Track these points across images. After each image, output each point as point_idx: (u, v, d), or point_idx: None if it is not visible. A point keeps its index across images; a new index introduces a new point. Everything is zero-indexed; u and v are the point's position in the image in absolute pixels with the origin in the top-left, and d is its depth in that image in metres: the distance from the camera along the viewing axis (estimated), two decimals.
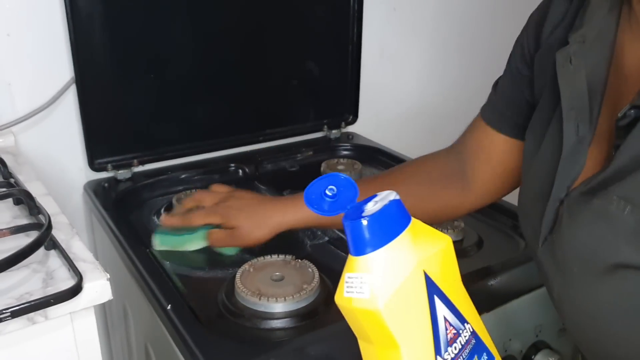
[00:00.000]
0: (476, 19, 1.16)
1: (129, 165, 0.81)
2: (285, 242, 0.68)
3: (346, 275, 0.28)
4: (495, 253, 0.67)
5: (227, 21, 0.84)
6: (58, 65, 0.76)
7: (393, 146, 0.97)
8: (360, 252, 0.27)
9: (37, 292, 0.43)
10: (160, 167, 0.85)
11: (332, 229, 0.69)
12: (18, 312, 0.41)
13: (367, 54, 0.98)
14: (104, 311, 0.87)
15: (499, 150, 0.54)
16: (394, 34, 1.05)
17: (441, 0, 1.09)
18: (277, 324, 0.53)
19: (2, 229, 0.48)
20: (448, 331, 0.28)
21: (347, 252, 0.29)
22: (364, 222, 0.26)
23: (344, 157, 0.94)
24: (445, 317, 0.28)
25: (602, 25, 0.39)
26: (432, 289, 0.28)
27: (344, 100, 0.99)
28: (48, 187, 0.62)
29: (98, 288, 0.45)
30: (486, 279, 0.58)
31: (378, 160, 0.95)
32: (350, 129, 1.02)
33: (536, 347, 0.58)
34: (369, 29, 0.97)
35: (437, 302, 0.28)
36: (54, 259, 0.48)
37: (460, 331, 0.29)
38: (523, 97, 0.51)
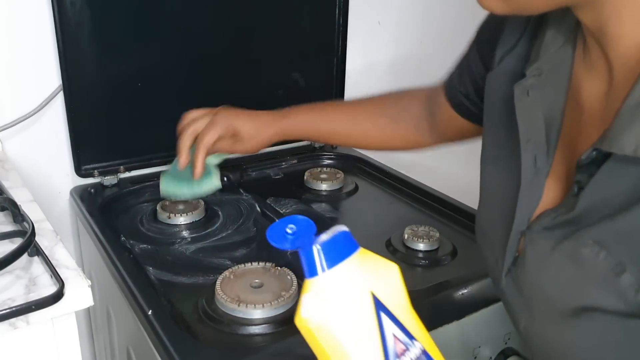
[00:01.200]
0: (461, 33, 1.19)
1: (115, 172, 0.83)
2: (267, 250, 0.70)
3: (303, 297, 0.31)
4: (468, 262, 0.69)
5: (214, 31, 0.86)
6: (46, 72, 0.78)
7: (375, 156, 0.99)
8: (313, 273, 0.30)
9: (20, 298, 0.44)
10: (146, 174, 0.86)
11: None
12: (0, 318, 0.42)
13: (351, 66, 1.01)
14: (88, 315, 0.88)
15: (451, 119, 0.60)
16: (378, 47, 1.08)
17: (425, 14, 1.12)
18: (255, 329, 0.54)
19: None
20: (397, 345, 0.31)
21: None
22: (316, 247, 0.30)
23: (327, 166, 0.96)
24: (393, 334, 0.31)
25: (557, 59, 0.40)
26: (380, 307, 0.31)
27: None
28: (34, 193, 0.64)
29: (80, 294, 0.47)
30: (458, 288, 0.60)
31: (361, 169, 0.97)
32: None
33: (505, 354, 0.61)
34: (354, 41, 1.00)
35: (385, 319, 0.31)
36: (37, 266, 0.49)
37: (409, 347, 0.31)
38: (467, 88, 0.56)
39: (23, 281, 0.47)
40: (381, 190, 0.90)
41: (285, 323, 0.55)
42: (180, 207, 0.78)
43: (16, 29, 0.75)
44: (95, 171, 0.82)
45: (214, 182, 0.66)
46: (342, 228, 0.31)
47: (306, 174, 0.91)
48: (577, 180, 0.36)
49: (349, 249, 0.31)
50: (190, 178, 0.65)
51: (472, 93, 0.56)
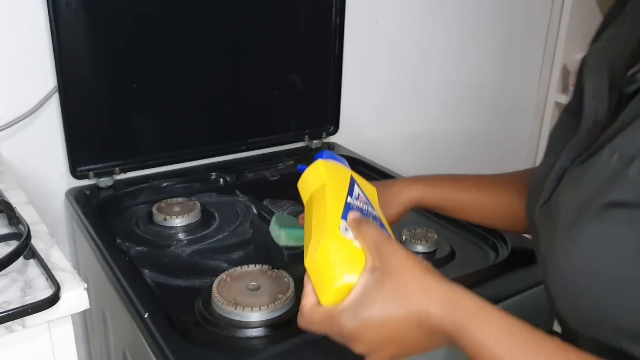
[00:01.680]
0: (457, 33, 1.20)
1: (110, 173, 0.82)
2: (263, 252, 0.70)
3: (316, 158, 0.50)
4: (466, 264, 0.69)
5: (211, 33, 0.86)
6: (41, 73, 0.77)
7: (373, 157, 0.99)
8: (317, 157, 0.50)
9: (16, 301, 0.44)
10: (142, 175, 0.86)
11: None
12: None
13: (348, 67, 1.01)
14: (84, 317, 0.88)
15: None
16: (374, 48, 1.08)
17: (421, 15, 1.12)
18: (252, 332, 0.54)
19: None
20: (359, 197, 0.46)
21: None
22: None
23: None
24: (359, 194, 0.47)
25: (633, 25, 0.43)
26: (354, 182, 0.48)
27: (326, 111, 1.01)
28: (29, 194, 0.63)
29: (76, 297, 0.46)
30: None
31: (357, 170, 0.96)
32: (331, 139, 1.04)
33: None
34: (351, 42, 1.00)
35: (356, 187, 0.48)
36: (32, 268, 0.49)
37: (368, 207, 0.47)
38: None
39: (19, 284, 0.47)
40: None
41: (282, 326, 0.55)
42: (176, 209, 0.78)
43: (11, 29, 0.74)
44: (91, 173, 0.81)
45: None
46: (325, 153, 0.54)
47: None
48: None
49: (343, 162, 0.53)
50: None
51: None
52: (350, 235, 0.41)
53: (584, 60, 0.48)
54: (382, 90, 1.13)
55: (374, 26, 1.06)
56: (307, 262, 0.41)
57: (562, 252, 0.40)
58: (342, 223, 0.42)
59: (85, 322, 0.88)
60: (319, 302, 0.41)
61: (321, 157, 0.51)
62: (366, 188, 0.50)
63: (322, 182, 0.46)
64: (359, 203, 0.45)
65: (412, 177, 0.67)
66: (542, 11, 1.31)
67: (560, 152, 0.44)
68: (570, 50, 1.29)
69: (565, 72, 1.32)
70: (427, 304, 0.37)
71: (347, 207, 0.43)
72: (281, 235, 0.68)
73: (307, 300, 0.42)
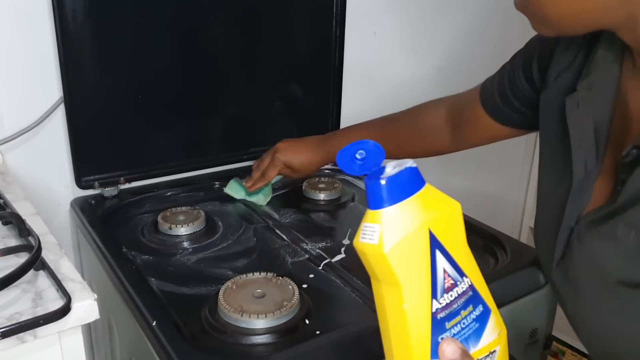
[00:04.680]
0: (455, 43, 1.21)
1: (115, 183, 0.83)
2: (267, 260, 0.71)
3: (363, 224, 0.34)
4: None
5: (214, 44, 0.87)
6: (47, 85, 0.79)
7: None
8: (375, 206, 0.33)
9: (27, 312, 0.45)
10: (146, 185, 0.87)
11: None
12: (9, 332, 0.43)
13: (348, 77, 1.02)
14: (88, 326, 0.89)
15: (486, 125, 0.65)
16: (373, 58, 1.09)
17: (419, 24, 1.14)
18: (258, 339, 0.55)
19: None
20: (446, 281, 0.34)
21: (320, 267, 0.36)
22: (382, 182, 0.32)
23: (325, 175, 0.98)
24: (444, 269, 0.34)
25: (606, 74, 0.44)
26: (435, 244, 0.33)
27: (326, 120, 1.02)
28: (35, 204, 0.64)
29: (86, 308, 0.47)
30: None
31: (358, 179, 0.98)
32: None
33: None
34: (350, 53, 1.01)
35: (439, 255, 0.33)
36: (42, 279, 0.50)
37: (458, 282, 0.34)
38: (513, 102, 0.60)
39: (30, 295, 0.48)
40: None
41: (287, 332, 0.56)
42: (181, 217, 0.79)
43: (17, 41, 0.75)
44: (96, 183, 0.82)
45: (260, 198, 0.86)
46: (409, 163, 0.33)
47: (304, 183, 0.92)
48: (622, 179, 0.40)
49: (414, 187, 0.33)
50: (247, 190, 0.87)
51: (516, 103, 0.60)
52: None
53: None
54: (381, 98, 1.14)
55: (373, 36, 1.08)
56: None
57: (592, 323, 0.43)
58: None
59: (89, 331, 0.89)
60: None
61: (363, 149, 0.34)
62: (449, 228, 0.34)
63: (391, 276, 0.33)
64: (447, 299, 0.34)
65: (326, 135, 0.82)
66: None
67: (558, 204, 0.46)
68: None
69: None
70: None
71: (436, 326, 0.33)
72: (228, 185, 0.87)
73: None
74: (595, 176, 0.44)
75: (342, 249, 0.73)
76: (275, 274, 0.63)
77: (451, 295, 0.34)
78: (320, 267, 0.69)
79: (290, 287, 0.61)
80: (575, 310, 0.46)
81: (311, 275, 0.67)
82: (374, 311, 0.59)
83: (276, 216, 0.82)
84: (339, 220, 0.83)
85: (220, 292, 0.59)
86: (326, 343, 0.54)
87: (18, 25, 0.75)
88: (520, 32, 1.44)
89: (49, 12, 0.74)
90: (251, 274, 0.63)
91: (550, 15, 0.40)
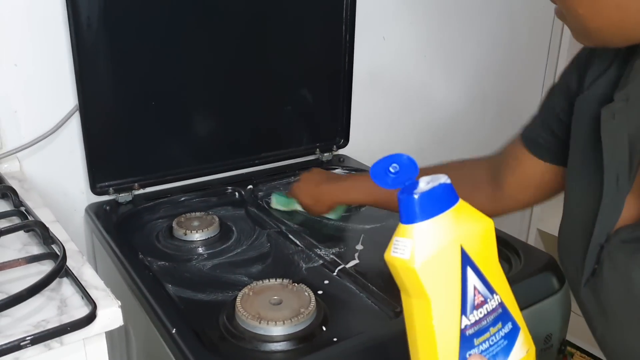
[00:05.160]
0: (464, 47, 1.22)
1: (130, 189, 0.84)
2: (281, 266, 0.72)
3: (395, 239, 0.34)
4: None
5: (226, 51, 0.88)
6: (62, 93, 0.79)
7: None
8: (408, 221, 0.33)
9: (53, 320, 0.46)
10: (160, 190, 0.88)
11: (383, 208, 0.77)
12: (37, 340, 0.44)
13: (357, 81, 1.03)
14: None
15: (530, 168, 0.59)
16: (383, 62, 1.10)
17: (428, 29, 1.15)
18: (277, 346, 0.56)
19: (18, 259, 0.51)
20: (476, 297, 0.34)
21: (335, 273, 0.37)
22: (415, 197, 0.32)
23: None
24: (475, 286, 0.34)
25: None
26: (466, 261, 0.33)
27: (336, 125, 1.03)
28: (51, 210, 0.65)
29: (110, 315, 0.48)
30: None
31: None
32: (342, 152, 1.06)
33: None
34: (360, 57, 1.02)
35: (469, 272, 0.34)
36: (66, 287, 0.51)
37: (488, 300, 0.34)
38: (553, 129, 0.56)
39: (55, 302, 0.48)
40: None
41: (305, 339, 0.56)
42: (196, 223, 0.79)
43: (33, 51, 0.76)
44: (110, 188, 0.83)
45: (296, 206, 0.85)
46: (443, 179, 0.33)
47: None
48: None
49: (448, 202, 0.33)
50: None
51: (558, 130, 0.56)
52: None
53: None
54: (390, 103, 1.15)
55: (382, 41, 1.08)
56: None
57: (625, 342, 0.42)
58: None
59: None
60: None
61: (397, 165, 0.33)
62: (481, 244, 0.35)
63: (421, 291, 0.33)
64: (476, 316, 0.34)
65: (343, 184, 0.79)
66: (545, 25, 1.33)
67: (586, 217, 0.45)
68: None
69: None
70: None
71: (465, 342, 0.34)
72: (272, 200, 0.86)
73: None
74: (626, 192, 0.43)
75: (356, 255, 0.74)
76: (290, 281, 0.64)
77: (481, 312, 0.34)
78: (335, 273, 0.69)
79: (306, 293, 0.62)
80: (607, 336, 0.45)
81: (326, 282, 0.68)
82: (390, 318, 0.60)
83: (288, 221, 0.83)
84: (349, 224, 0.84)
85: (238, 299, 0.60)
86: (344, 350, 0.55)
87: (34, 35, 0.76)
88: (527, 37, 1.45)
89: (64, 21, 0.75)
90: (267, 281, 0.64)
91: (589, 28, 0.40)
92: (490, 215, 0.65)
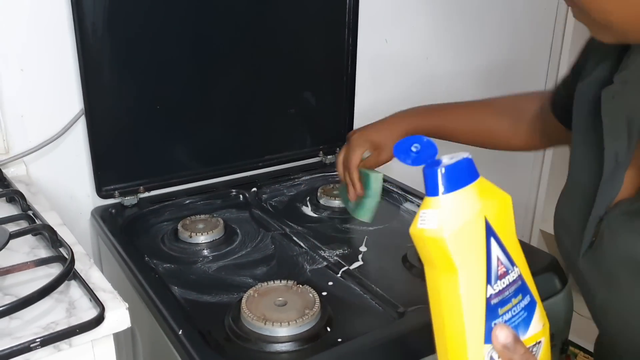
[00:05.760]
0: (467, 49, 1.23)
1: (135, 192, 0.85)
2: (286, 267, 0.72)
3: (421, 212, 0.35)
4: None
5: (231, 54, 0.89)
6: (68, 97, 0.80)
7: (386, 170, 1.02)
8: (434, 193, 0.34)
9: (62, 322, 0.47)
10: (165, 193, 0.88)
11: None
12: (46, 342, 0.44)
13: (360, 83, 1.03)
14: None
15: (551, 125, 0.64)
16: (385, 65, 1.11)
17: (430, 32, 1.15)
18: (282, 347, 0.56)
19: (26, 262, 0.52)
20: (499, 268, 0.35)
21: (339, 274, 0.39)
22: (442, 169, 0.34)
23: (339, 181, 0.99)
24: (498, 257, 0.35)
25: None
26: (490, 232, 0.34)
27: (339, 127, 1.03)
28: (57, 213, 0.66)
29: (118, 317, 0.49)
30: None
31: None
32: None
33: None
34: (362, 60, 1.02)
35: (493, 243, 0.35)
36: (75, 289, 0.52)
37: (509, 271, 0.35)
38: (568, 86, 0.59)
39: (63, 305, 0.49)
40: (395, 206, 0.93)
41: (310, 340, 0.57)
42: (201, 226, 0.80)
43: (39, 56, 0.77)
44: (116, 192, 0.84)
45: (363, 213, 0.77)
46: (465, 155, 0.35)
47: (319, 190, 0.93)
48: None
49: (471, 177, 0.35)
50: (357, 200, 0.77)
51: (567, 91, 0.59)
52: None
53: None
54: (392, 105, 1.15)
55: (385, 44, 1.09)
56: None
57: (628, 307, 0.43)
58: (486, 349, 0.34)
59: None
60: None
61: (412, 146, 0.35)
62: (502, 218, 0.36)
63: (448, 261, 0.34)
64: (500, 286, 0.35)
65: (403, 112, 0.77)
66: (546, 25, 1.34)
67: (586, 193, 0.47)
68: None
69: None
70: None
71: (490, 312, 0.34)
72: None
73: None
74: (625, 167, 0.45)
75: (360, 256, 0.74)
76: (295, 282, 0.65)
77: (504, 282, 0.35)
78: (339, 275, 0.70)
79: (310, 294, 0.63)
80: (608, 303, 0.46)
81: (330, 283, 0.68)
82: (394, 318, 0.61)
83: (292, 223, 0.84)
84: (354, 226, 0.85)
85: (243, 301, 0.61)
86: (348, 350, 0.56)
87: (40, 40, 0.77)
88: (529, 37, 1.45)
89: (70, 26, 0.76)
90: (272, 282, 0.65)
91: (614, 22, 0.40)
92: (540, 148, 0.71)
